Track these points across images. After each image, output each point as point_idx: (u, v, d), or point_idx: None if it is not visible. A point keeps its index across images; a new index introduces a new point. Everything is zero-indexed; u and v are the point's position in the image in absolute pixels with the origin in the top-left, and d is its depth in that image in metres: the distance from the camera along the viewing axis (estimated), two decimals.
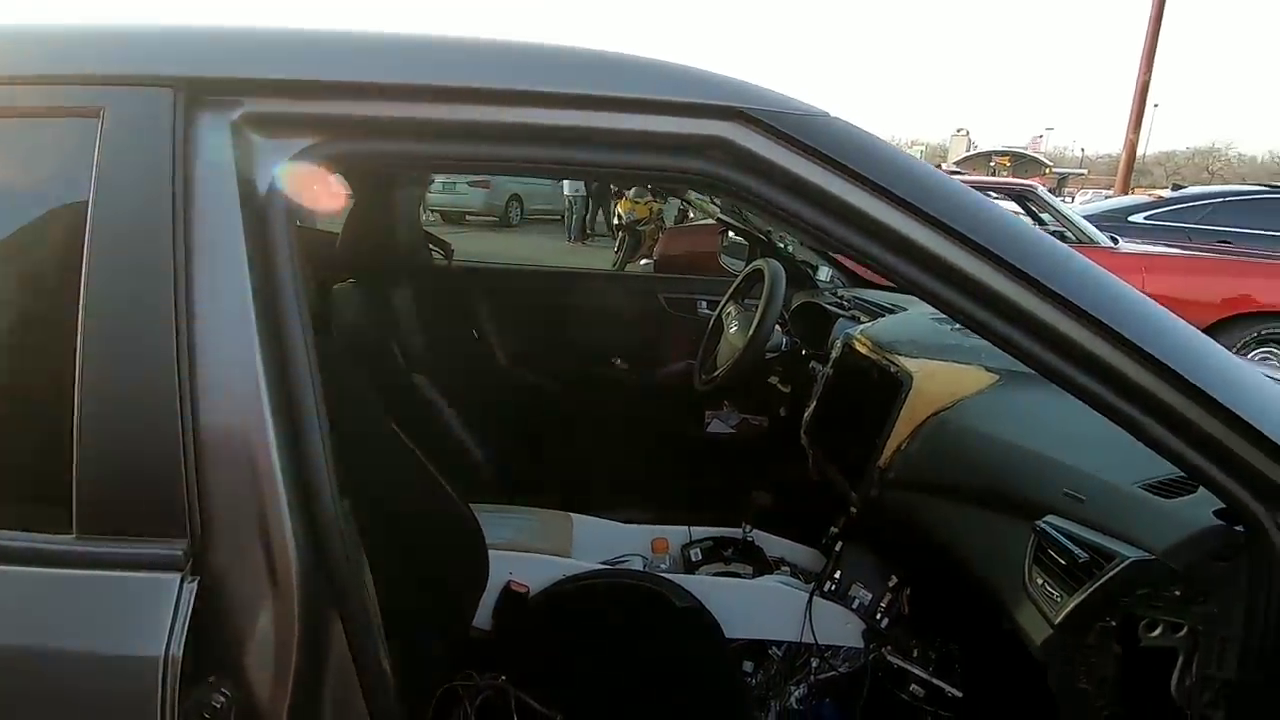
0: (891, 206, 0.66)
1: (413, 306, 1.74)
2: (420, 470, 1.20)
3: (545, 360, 2.24)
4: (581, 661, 1.27)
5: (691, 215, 6.90)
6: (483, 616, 1.38)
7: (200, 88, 0.61)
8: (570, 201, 10.59)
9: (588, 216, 10.69)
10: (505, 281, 2.39)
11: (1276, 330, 4.49)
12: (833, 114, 0.69)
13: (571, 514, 1.58)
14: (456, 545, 1.26)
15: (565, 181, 10.60)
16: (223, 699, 0.55)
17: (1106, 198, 10.90)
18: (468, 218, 11.59)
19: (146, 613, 0.54)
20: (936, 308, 0.70)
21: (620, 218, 8.37)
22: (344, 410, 1.12)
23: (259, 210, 0.61)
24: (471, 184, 11.43)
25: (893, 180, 0.66)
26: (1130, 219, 6.28)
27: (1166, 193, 7.30)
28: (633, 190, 8.21)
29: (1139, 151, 11.96)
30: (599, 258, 8.47)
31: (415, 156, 0.67)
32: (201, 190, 0.60)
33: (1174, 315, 0.71)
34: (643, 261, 7.03)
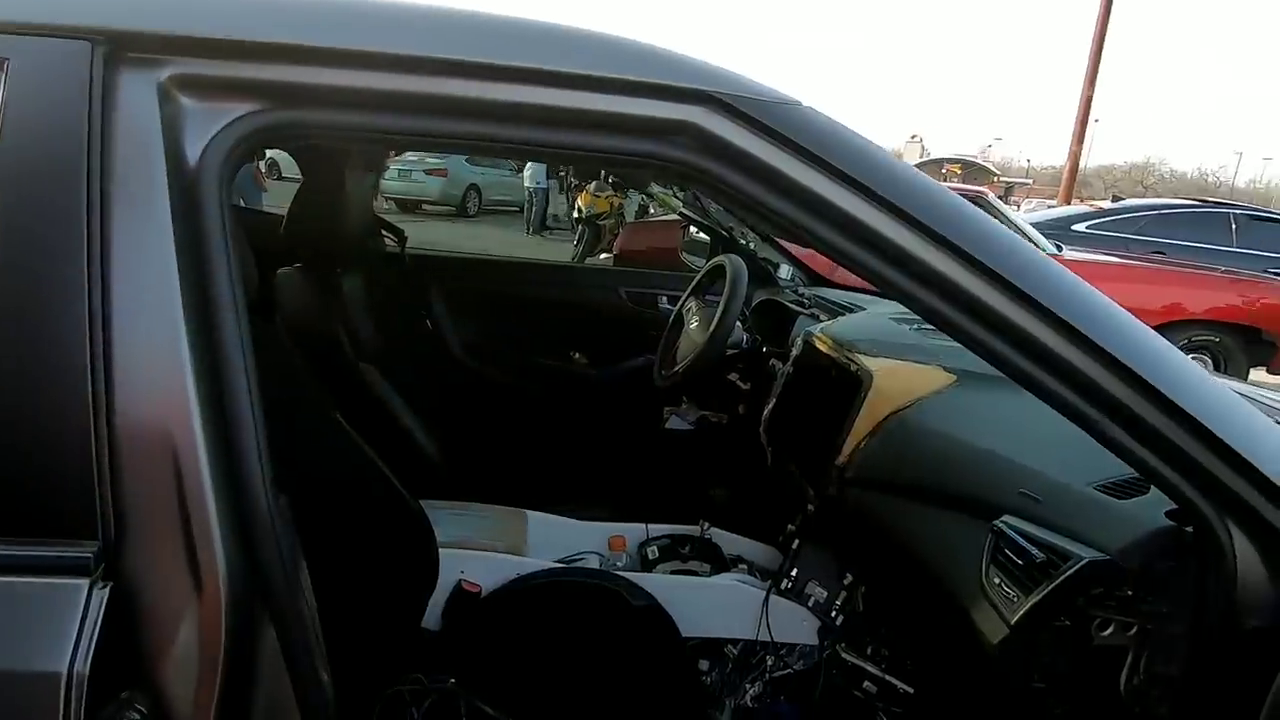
0: (865, 201, 0.65)
1: (363, 294, 1.66)
2: (368, 465, 1.14)
3: (501, 353, 2.19)
4: (535, 663, 1.23)
5: (653, 211, 6.88)
6: (433, 617, 1.33)
7: (123, 42, 0.55)
8: (530, 193, 10.46)
9: (548, 209, 10.58)
10: (462, 272, 2.33)
11: (1203, 337, 4.74)
12: (805, 104, 0.68)
13: (526, 511, 1.54)
14: (405, 543, 1.21)
15: (525, 172, 10.47)
16: (136, 717, 0.50)
17: (1050, 207, 11.35)
18: (424, 206, 11.35)
19: (48, 623, 0.48)
20: (907, 305, 0.69)
21: (580, 211, 8.30)
22: (287, 401, 1.07)
23: (188, 184, 0.56)
24: (428, 172, 11.20)
25: (867, 174, 0.65)
26: (1072, 228, 6.55)
27: (1107, 203, 7.63)
28: (593, 184, 8.14)
29: (1080, 164, 12.48)
30: (558, 251, 8.39)
31: (364, 130, 0.62)
32: (121, 159, 0.54)
33: (1132, 316, 0.72)
34: (602, 256, 6.99)
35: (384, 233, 2.00)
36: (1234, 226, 6.48)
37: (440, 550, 1.26)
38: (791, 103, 0.66)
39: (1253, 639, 0.70)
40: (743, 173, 0.65)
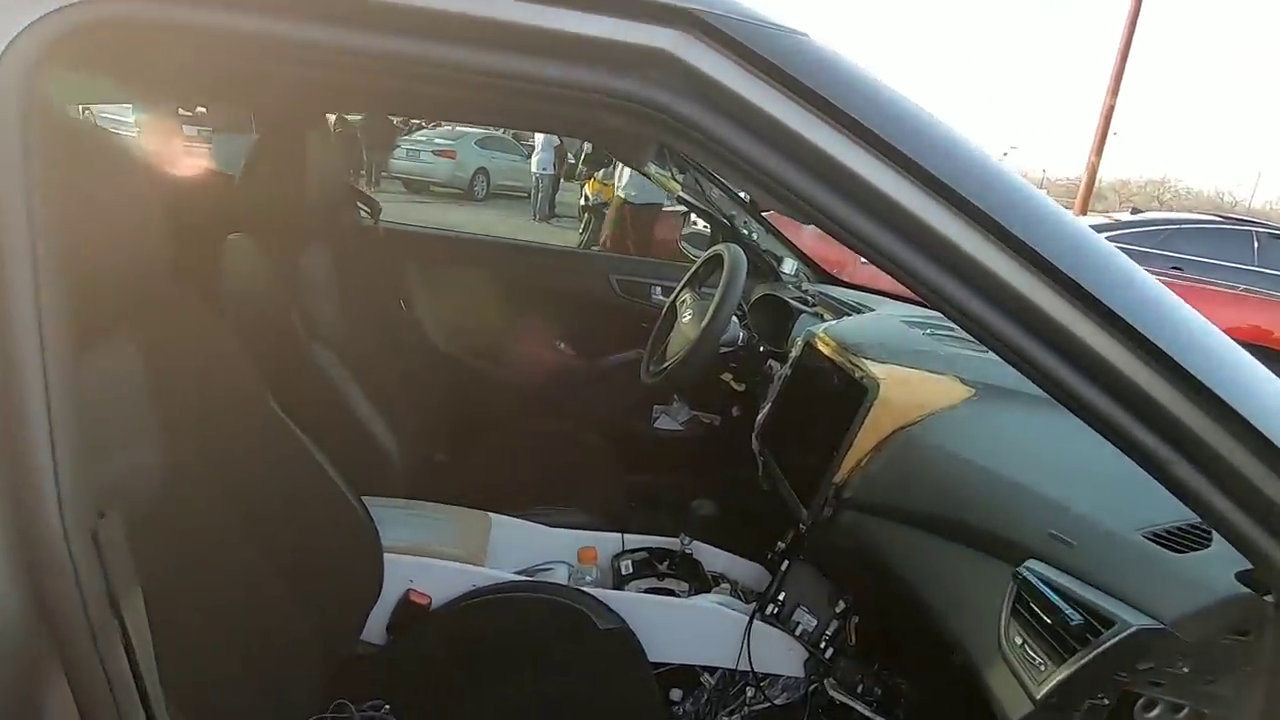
0: (882, 161, 0.50)
1: (325, 269, 1.52)
2: (301, 454, 1.01)
3: (480, 338, 2.04)
4: (485, 686, 1.10)
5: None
6: (376, 630, 1.20)
7: None
8: (536, 179, 10.32)
9: (556, 196, 10.42)
10: (441, 249, 2.18)
11: None
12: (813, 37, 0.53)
13: (490, 514, 1.40)
14: (343, 545, 1.07)
15: (533, 159, 10.32)
16: None
17: None
18: (432, 188, 11.27)
19: None
20: (918, 294, 0.55)
21: (588, 199, 8.14)
22: (210, 380, 0.93)
23: None
24: (436, 153, 11.12)
25: (887, 128, 0.50)
26: None
27: (1123, 215, 7.44)
28: (601, 172, 7.98)
29: (1097, 176, 12.25)
30: (564, 239, 8.24)
31: (249, 39, 0.48)
32: None
33: (1211, 323, 0.57)
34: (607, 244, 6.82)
35: (358, 204, 1.85)
36: (1256, 245, 6.29)
37: (388, 556, 1.13)
38: (797, 33, 0.51)
39: None
40: (728, 121, 0.50)
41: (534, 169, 10.35)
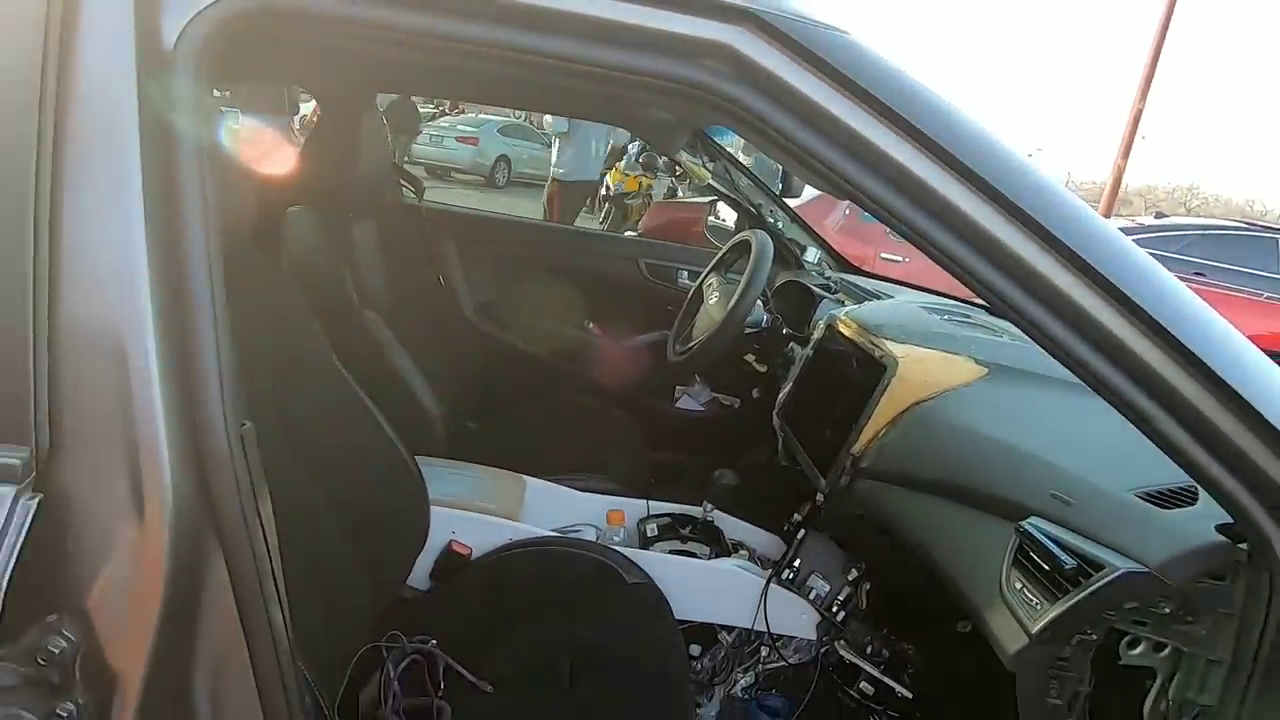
0: (923, 154, 0.57)
1: (375, 241, 1.61)
2: (360, 411, 1.10)
3: (513, 315, 2.13)
4: (520, 631, 1.19)
5: (681, 193, 6.77)
6: (420, 576, 1.29)
7: None
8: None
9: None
10: (478, 229, 2.26)
11: None
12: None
13: (525, 476, 1.49)
14: (395, 496, 1.16)
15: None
16: (64, 644, 0.45)
17: None
18: (454, 174, 11.37)
19: None
20: (951, 272, 0.62)
21: (609, 189, 8.20)
22: (282, 337, 1.02)
23: (159, 74, 0.50)
24: (459, 139, 11.19)
25: (922, 120, 0.57)
26: None
27: (1147, 220, 7.37)
28: (623, 162, 8.03)
29: (1123, 181, 12.12)
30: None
31: (371, 26, 0.56)
32: (84, 34, 0.48)
33: (1206, 304, 0.64)
34: (627, 234, 6.90)
35: (403, 182, 1.94)
36: None
37: (433, 507, 1.22)
38: (841, 30, 0.58)
39: None
40: (783, 108, 0.58)
41: (554, 160, 10.41)
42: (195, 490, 0.49)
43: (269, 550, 0.54)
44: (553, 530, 1.41)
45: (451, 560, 1.30)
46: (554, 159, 4.96)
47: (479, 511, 1.33)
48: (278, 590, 0.55)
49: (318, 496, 1.03)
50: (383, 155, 1.65)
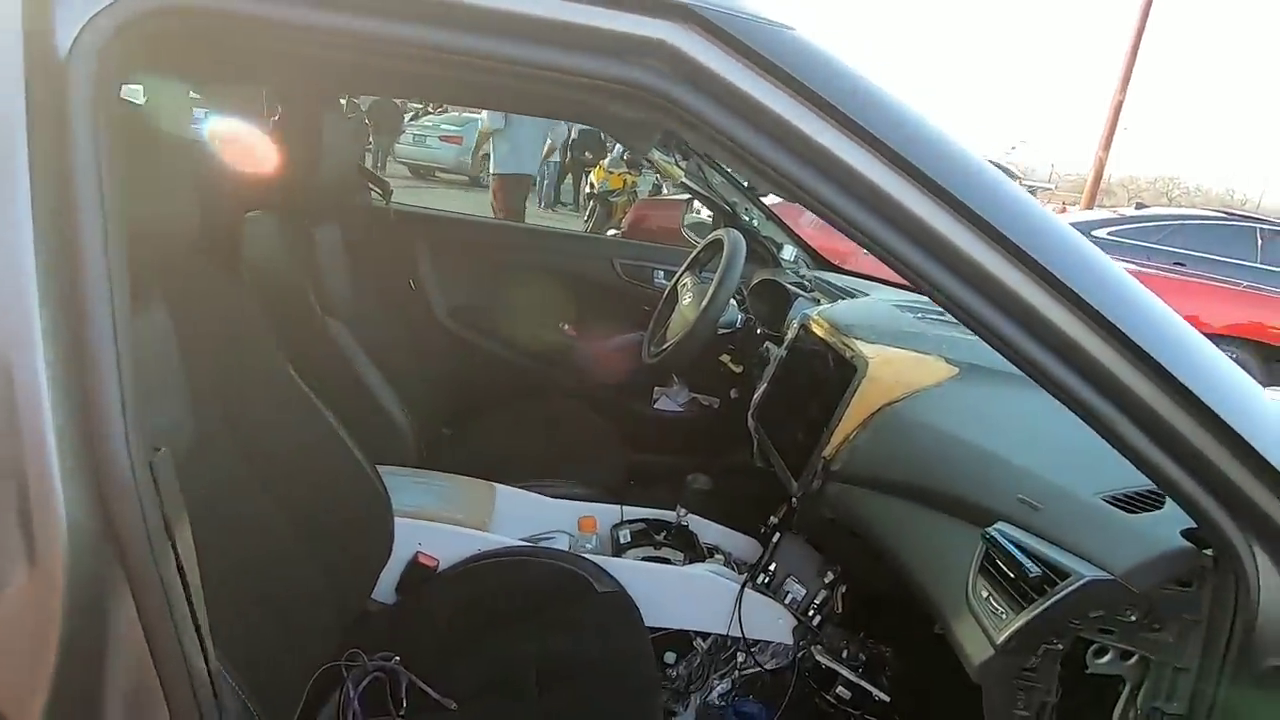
0: (868, 151, 0.55)
1: (339, 246, 1.57)
2: (318, 422, 1.06)
3: (487, 318, 2.10)
4: (487, 643, 1.16)
5: (665, 190, 6.74)
6: (386, 590, 1.26)
7: None
8: (542, 168, 10.33)
9: (560, 183, 10.44)
10: (450, 231, 2.23)
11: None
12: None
13: (495, 484, 1.46)
14: (356, 508, 1.13)
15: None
16: None
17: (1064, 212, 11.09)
18: (438, 174, 11.29)
19: None
20: (902, 275, 0.60)
21: (593, 187, 8.17)
22: (235, 349, 0.98)
23: (51, 80, 0.47)
24: (443, 139, 11.10)
25: (872, 120, 0.55)
26: (1093, 234, 6.35)
27: (1128, 210, 7.42)
28: (608, 160, 7.99)
29: (1105, 172, 12.19)
30: (567, 226, 8.26)
31: (286, 27, 0.53)
32: None
33: (1169, 308, 0.63)
34: (610, 233, 6.87)
35: (370, 185, 1.90)
36: (1260, 242, 6.27)
37: (398, 519, 1.19)
38: (786, 27, 0.56)
39: (1270, 680, 0.61)
40: (721, 107, 0.55)
41: (492, 157, 10.37)
42: (97, 527, 0.46)
43: (185, 583, 0.51)
44: (524, 538, 1.39)
45: (418, 573, 1.27)
46: (492, 156, 4.95)
47: (447, 522, 1.31)
48: (195, 623, 0.52)
49: (274, 513, 1.00)
50: (347, 157, 1.61)
